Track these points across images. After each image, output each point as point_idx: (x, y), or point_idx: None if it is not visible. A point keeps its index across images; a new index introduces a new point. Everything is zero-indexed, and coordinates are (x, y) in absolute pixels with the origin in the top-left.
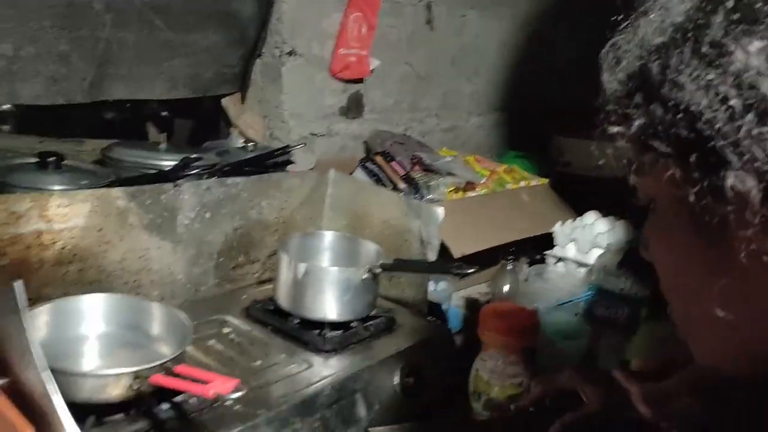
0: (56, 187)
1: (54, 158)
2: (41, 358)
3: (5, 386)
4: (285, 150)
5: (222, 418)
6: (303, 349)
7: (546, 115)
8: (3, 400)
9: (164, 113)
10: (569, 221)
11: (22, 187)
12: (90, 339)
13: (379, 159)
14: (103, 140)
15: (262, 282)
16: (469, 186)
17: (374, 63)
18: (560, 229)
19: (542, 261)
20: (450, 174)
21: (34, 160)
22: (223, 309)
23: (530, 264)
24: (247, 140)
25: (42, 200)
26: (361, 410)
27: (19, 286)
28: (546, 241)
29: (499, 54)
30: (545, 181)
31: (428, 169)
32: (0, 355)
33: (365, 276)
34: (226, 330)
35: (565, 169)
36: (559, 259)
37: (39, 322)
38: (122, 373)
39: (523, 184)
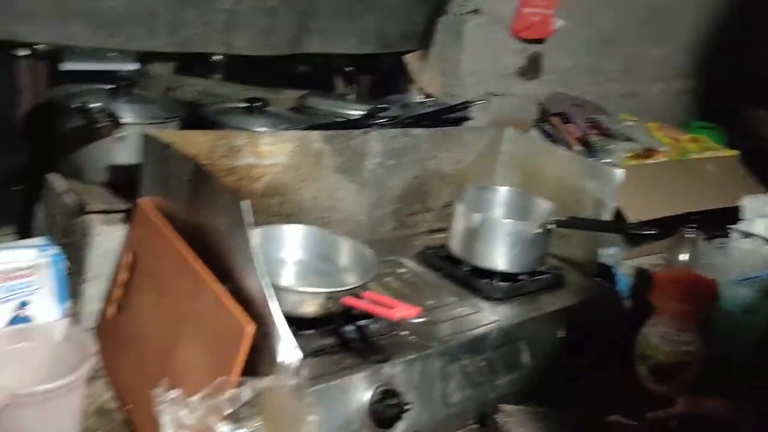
0: (261, 129)
1: (260, 103)
2: (262, 267)
3: (230, 290)
4: (466, 105)
5: (398, 345)
6: (472, 295)
7: (740, 86)
8: (231, 301)
9: (349, 68)
10: (761, 196)
11: (233, 127)
12: (288, 263)
13: (555, 120)
14: (297, 90)
15: (434, 231)
16: (649, 153)
17: (558, 23)
18: (750, 204)
19: (725, 235)
20: (629, 139)
21: (241, 104)
22: (399, 251)
23: (711, 237)
24: (427, 96)
25: (254, 138)
26: (525, 357)
27: (245, 204)
28: (728, 215)
29: (693, 17)
30: (734, 153)
31: (606, 133)
32: (226, 265)
33: (538, 230)
34: (400, 270)
35: (758, 143)
36: (746, 235)
37: None
38: (319, 293)
39: (708, 154)
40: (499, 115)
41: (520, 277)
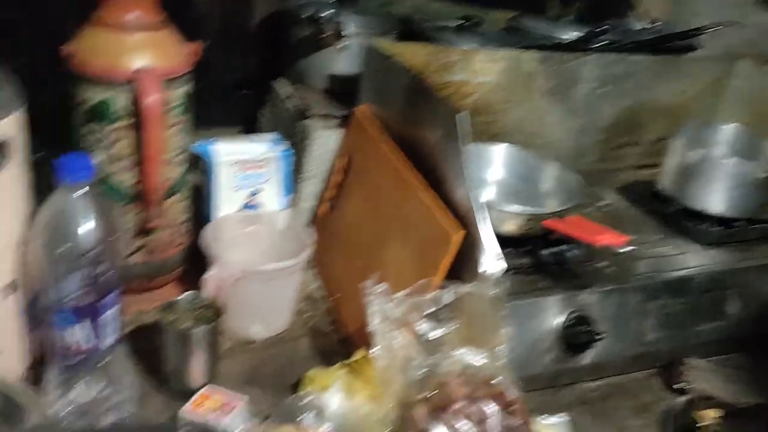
0: (472, 47)
1: (474, 22)
2: (473, 179)
3: (439, 198)
4: (696, 32)
5: (595, 274)
6: (678, 235)
7: None
8: (439, 208)
9: None
10: None
11: (446, 44)
12: (489, 183)
13: None
14: (509, 11)
15: (640, 167)
16: None
17: None
18: None
19: None
20: None
21: (455, 22)
22: (601, 183)
23: None
24: (651, 21)
25: (469, 55)
26: (732, 308)
27: (462, 117)
28: None
29: None
30: None
31: None
32: (436, 174)
33: (766, 174)
34: (601, 203)
35: None
36: None
37: None
38: (521, 213)
39: None
40: (732, 47)
41: (736, 223)
